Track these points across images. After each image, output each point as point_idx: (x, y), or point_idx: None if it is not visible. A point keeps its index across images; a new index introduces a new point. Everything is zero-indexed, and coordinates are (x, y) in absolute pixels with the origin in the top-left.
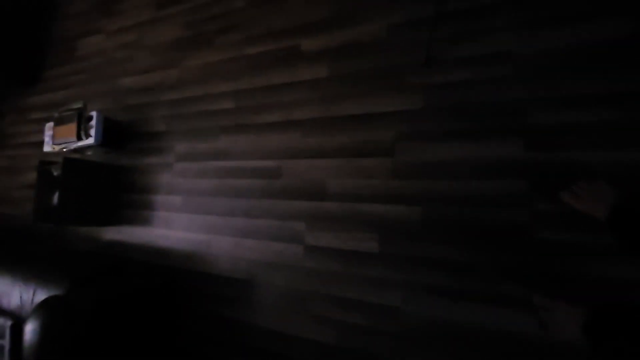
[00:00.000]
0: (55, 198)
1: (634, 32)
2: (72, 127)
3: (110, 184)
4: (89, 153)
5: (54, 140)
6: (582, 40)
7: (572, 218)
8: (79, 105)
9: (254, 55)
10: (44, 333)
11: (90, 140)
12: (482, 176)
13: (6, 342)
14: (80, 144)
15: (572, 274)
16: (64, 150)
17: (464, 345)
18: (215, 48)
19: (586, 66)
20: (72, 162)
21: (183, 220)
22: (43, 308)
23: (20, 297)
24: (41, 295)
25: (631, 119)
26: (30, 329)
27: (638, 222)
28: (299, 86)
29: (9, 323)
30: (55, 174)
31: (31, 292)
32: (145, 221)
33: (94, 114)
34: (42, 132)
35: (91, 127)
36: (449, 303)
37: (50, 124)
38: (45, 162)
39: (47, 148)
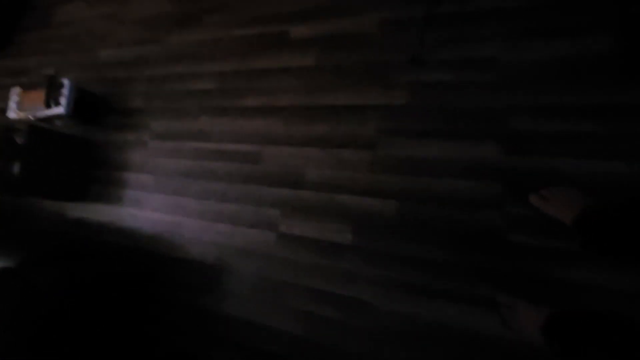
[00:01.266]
0: (17, 167)
1: (612, 48)
2: (41, 93)
3: (79, 158)
4: (58, 123)
5: (20, 106)
6: (564, 53)
7: (542, 222)
8: (49, 71)
9: (241, 38)
10: None
11: (60, 110)
12: (459, 176)
13: None
14: (49, 112)
15: (539, 276)
16: (31, 118)
17: (433, 342)
18: (202, 27)
19: (566, 78)
20: (38, 131)
21: (154, 200)
22: None
23: None
24: None
25: (605, 130)
26: None
27: (602, 228)
28: (284, 73)
29: None
30: (19, 141)
31: None
32: (114, 199)
33: (65, 82)
34: (6, 97)
35: (62, 95)
36: (419, 300)
37: (16, 89)
38: (8, 128)
39: (11, 114)
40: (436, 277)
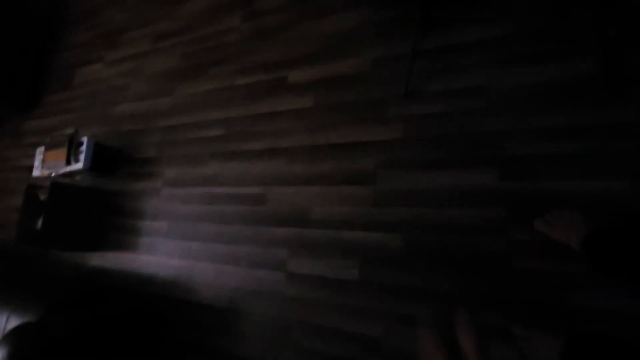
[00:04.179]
0: (40, 222)
1: (593, 70)
2: (62, 151)
3: (96, 209)
4: (78, 178)
5: (43, 164)
6: (550, 77)
7: (548, 247)
8: (70, 130)
9: (244, 86)
10: None
11: (79, 165)
12: (460, 205)
13: None
14: (69, 168)
15: (550, 303)
16: (53, 174)
17: None
18: (208, 78)
19: (554, 102)
20: (59, 186)
21: (167, 246)
22: (12, 335)
23: None
24: (14, 322)
25: (598, 150)
26: None
27: (609, 248)
28: (285, 115)
29: None
30: (42, 197)
31: (4, 319)
32: (129, 247)
33: (84, 139)
34: (33, 156)
35: (81, 152)
36: None
37: (41, 149)
38: (33, 186)
39: (36, 172)
40: (444, 309)
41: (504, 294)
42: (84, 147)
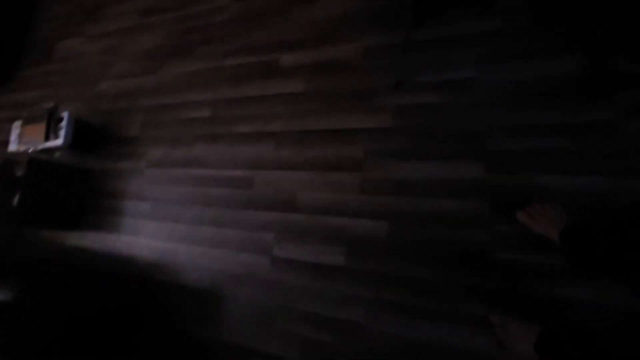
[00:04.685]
0: (16, 199)
1: (581, 68)
2: (41, 127)
3: (77, 187)
4: (57, 155)
5: (20, 139)
6: (539, 73)
7: (529, 239)
8: (50, 105)
9: (233, 67)
10: None
11: (59, 142)
12: (446, 196)
13: None
14: (48, 144)
15: (529, 293)
16: (30, 150)
17: None
18: (195, 58)
19: (540, 98)
20: (37, 163)
21: (150, 227)
22: None
23: None
24: None
25: (581, 147)
26: None
27: (587, 243)
28: (275, 99)
29: None
30: (18, 174)
31: None
32: (111, 227)
33: (65, 114)
34: (8, 131)
35: (61, 128)
36: (410, 320)
37: (17, 123)
38: (8, 161)
39: (12, 147)
40: (427, 297)
41: (485, 283)
42: (64, 123)
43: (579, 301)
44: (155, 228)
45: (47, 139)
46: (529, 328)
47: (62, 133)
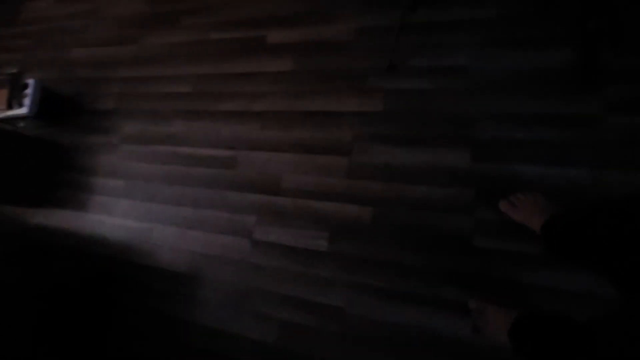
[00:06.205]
0: None
1: (572, 59)
2: (3, 93)
3: (43, 161)
4: (21, 125)
5: None
6: (530, 64)
7: (510, 227)
8: (13, 70)
9: (218, 41)
10: None
11: (23, 110)
12: (433, 183)
13: None
14: (11, 113)
15: (507, 280)
16: None
17: (405, 348)
18: (179, 29)
19: (530, 88)
20: None
21: (123, 206)
22: None
23: None
24: None
25: (569, 139)
26: None
27: (566, 234)
28: (261, 77)
29: None
30: None
31: None
32: (80, 205)
33: (30, 81)
34: None
35: (25, 95)
36: (391, 305)
37: None
38: None
39: None
40: (408, 282)
41: (465, 269)
42: (29, 91)
43: (558, 290)
44: (128, 207)
45: (9, 107)
46: (505, 314)
47: (27, 101)
